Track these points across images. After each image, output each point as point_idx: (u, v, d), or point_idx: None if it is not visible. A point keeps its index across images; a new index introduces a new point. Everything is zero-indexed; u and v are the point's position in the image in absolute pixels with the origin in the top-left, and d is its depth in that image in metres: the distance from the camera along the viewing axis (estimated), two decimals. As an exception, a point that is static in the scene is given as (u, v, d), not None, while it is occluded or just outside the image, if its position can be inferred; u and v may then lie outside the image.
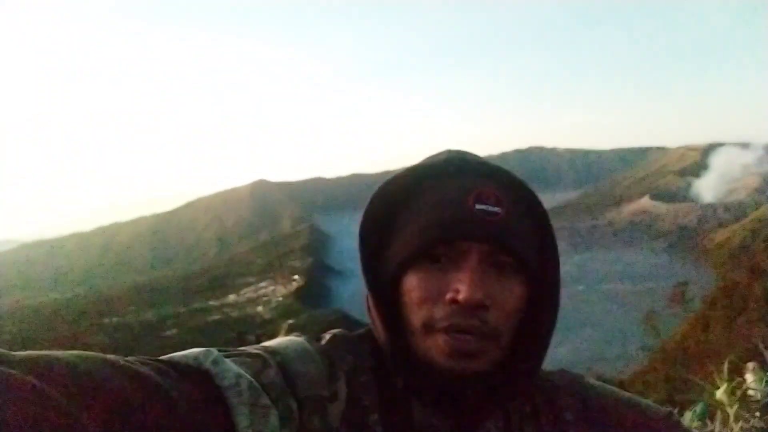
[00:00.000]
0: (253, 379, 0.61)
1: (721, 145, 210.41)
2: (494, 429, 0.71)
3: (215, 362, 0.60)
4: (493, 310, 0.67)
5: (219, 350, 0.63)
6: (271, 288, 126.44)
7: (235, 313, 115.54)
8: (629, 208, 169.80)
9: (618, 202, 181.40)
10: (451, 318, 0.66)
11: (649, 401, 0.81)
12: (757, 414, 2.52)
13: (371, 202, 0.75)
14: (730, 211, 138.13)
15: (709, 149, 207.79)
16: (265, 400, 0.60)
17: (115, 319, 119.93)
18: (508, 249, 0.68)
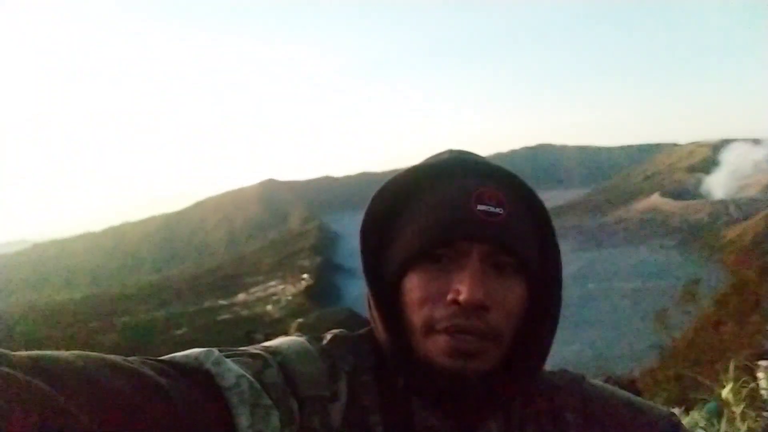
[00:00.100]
0: (254, 380, 0.61)
1: (732, 141, 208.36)
2: (495, 429, 0.71)
3: (216, 362, 0.60)
4: (493, 311, 0.67)
5: (220, 350, 0.64)
6: (281, 287, 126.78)
7: (244, 312, 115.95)
8: (639, 206, 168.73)
9: (627, 199, 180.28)
10: (451, 318, 0.66)
11: (650, 402, 0.80)
12: (765, 413, 2.51)
13: (372, 202, 0.76)
14: (742, 208, 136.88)
15: (720, 145, 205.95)
16: (266, 401, 0.60)
17: (125, 318, 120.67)
18: (509, 249, 0.68)
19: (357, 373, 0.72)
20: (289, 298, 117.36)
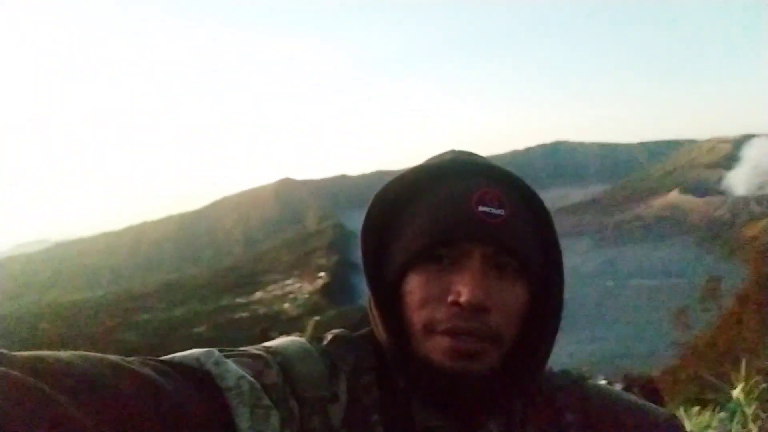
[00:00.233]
0: (254, 380, 0.61)
1: (753, 136, 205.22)
2: (495, 430, 0.71)
3: (216, 363, 0.60)
4: (494, 313, 0.67)
5: (220, 351, 0.64)
6: (297, 285, 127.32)
7: (262, 310, 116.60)
8: (658, 203, 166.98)
9: (647, 196, 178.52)
10: (452, 320, 0.66)
11: (651, 404, 0.80)
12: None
13: (373, 202, 0.76)
14: (763, 204, 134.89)
15: (741, 141, 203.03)
16: (266, 401, 0.60)
17: (144, 317, 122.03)
18: (510, 251, 0.68)
19: (357, 373, 0.72)
20: (306, 296, 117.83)
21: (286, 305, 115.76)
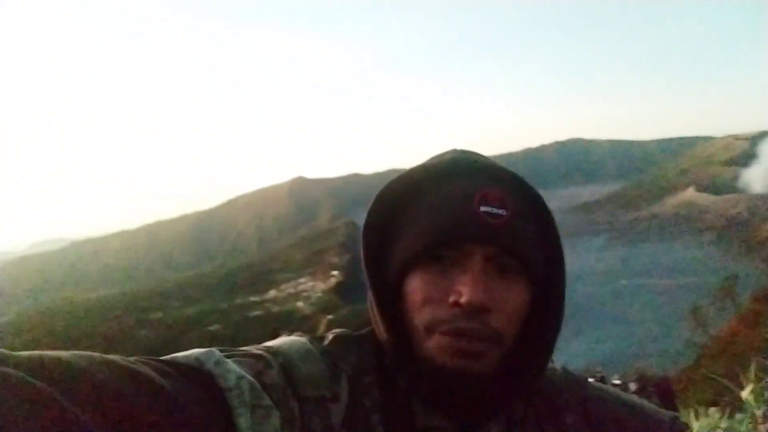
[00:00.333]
0: (254, 380, 0.61)
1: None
2: (496, 430, 0.71)
3: (217, 363, 0.60)
4: (495, 313, 0.67)
5: (221, 350, 0.64)
6: (311, 284, 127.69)
7: (275, 309, 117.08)
8: (674, 201, 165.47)
9: (662, 194, 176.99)
10: (453, 320, 0.66)
11: (653, 405, 0.80)
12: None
13: (375, 202, 0.76)
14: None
15: (758, 138, 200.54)
16: (266, 402, 0.60)
17: (159, 315, 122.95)
18: (511, 251, 0.68)
19: (358, 373, 0.72)
20: (319, 294, 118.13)
21: (300, 303, 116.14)
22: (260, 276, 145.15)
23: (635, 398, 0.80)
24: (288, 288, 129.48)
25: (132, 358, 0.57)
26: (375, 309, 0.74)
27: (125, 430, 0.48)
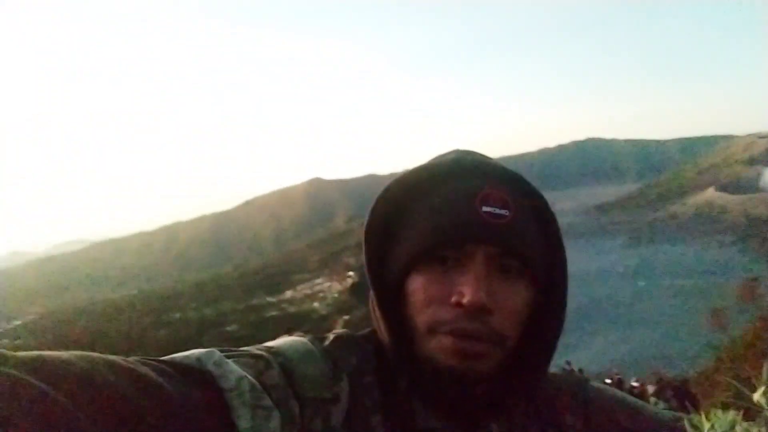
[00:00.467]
0: (255, 381, 0.61)
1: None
2: (497, 431, 0.71)
3: (217, 363, 0.60)
4: (497, 314, 0.67)
5: (221, 351, 0.64)
6: (327, 284, 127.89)
7: (292, 309, 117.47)
8: (694, 200, 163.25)
9: (682, 194, 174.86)
10: (455, 321, 0.66)
11: (655, 407, 0.79)
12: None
13: (377, 202, 0.75)
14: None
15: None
16: (266, 402, 0.60)
17: (177, 315, 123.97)
18: (514, 252, 0.68)
19: (359, 373, 0.72)
20: (335, 295, 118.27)
21: (316, 304, 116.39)
22: (277, 277, 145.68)
23: (636, 399, 0.80)
24: (304, 289, 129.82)
25: (132, 359, 0.57)
26: (377, 309, 0.74)
27: (126, 430, 0.48)
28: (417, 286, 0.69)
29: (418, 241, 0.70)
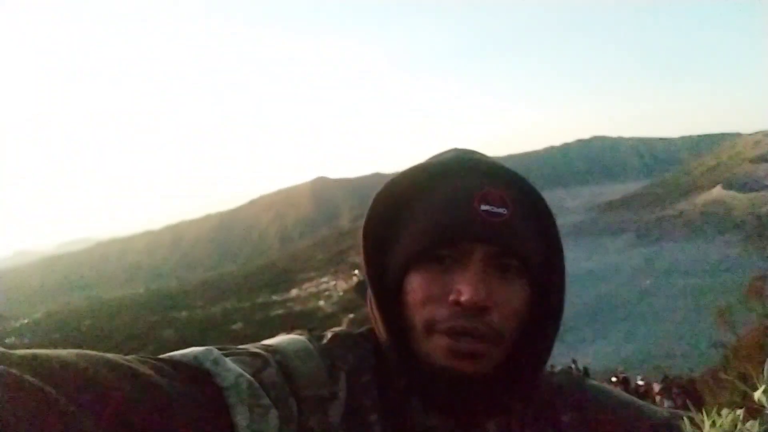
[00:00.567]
0: (253, 379, 0.61)
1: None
2: (494, 430, 0.71)
3: (215, 362, 0.60)
4: (495, 312, 0.67)
5: (219, 349, 0.64)
6: (332, 283, 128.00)
7: (297, 308, 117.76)
8: (701, 198, 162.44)
9: (688, 192, 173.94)
10: (453, 319, 0.66)
11: (651, 405, 0.79)
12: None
13: (375, 201, 0.75)
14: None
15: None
16: (264, 400, 0.60)
17: (183, 314, 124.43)
18: (512, 251, 0.68)
19: (356, 372, 0.72)
20: (341, 293, 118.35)
21: (321, 303, 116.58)
22: (282, 275, 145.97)
23: (633, 398, 0.80)
24: (310, 287, 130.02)
25: (130, 357, 0.57)
26: (375, 308, 0.74)
27: (123, 429, 0.48)
28: (415, 284, 0.70)
29: (416, 239, 0.70)
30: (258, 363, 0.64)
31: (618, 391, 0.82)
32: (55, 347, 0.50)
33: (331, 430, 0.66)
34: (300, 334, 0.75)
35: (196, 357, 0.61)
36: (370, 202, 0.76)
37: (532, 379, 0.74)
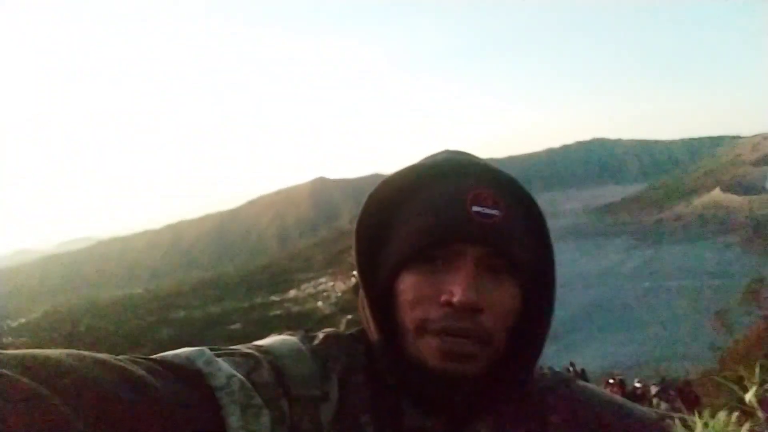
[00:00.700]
0: (245, 379, 0.61)
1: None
2: (484, 430, 0.71)
3: (207, 362, 0.60)
4: (487, 313, 0.67)
5: (211, 349, 0.64)
6: (331, 284, 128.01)
7: (295, 308, 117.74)
8: (699, 201, 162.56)
9: (687, 194, 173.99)
10: (444, 320, 0.66)
11: (641, 407, 0.79)
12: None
13: (368, 202, 0.75)
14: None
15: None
16: (256, 401, 0.60)
17: (181, 314, 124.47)
18: (503, 252, 0.68)
19: (348, 373, 0.72)
20: (339, 294, 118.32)
21: (320, 303, 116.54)
22: (281, 276, 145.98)
23: (623, 399, 0.80)
24: (308, 288, 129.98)
25: (122, 357, 0.56)
26: (366, 309, 0.74)
27: (116, 429, 0.48)
28: (407, 285, 0.70)
29: (408, 240, 0.70)
30: (250, 363, 0.64)
31: (607, 392, 0.82)
32: (55, 347, 0.50)
33: (323, 431, 0.66)
34: (292, 335, 0.75)
35: (188, 357, 0.61)
36: (363, 203, 0.76)
37: (521, 380, 0.74)
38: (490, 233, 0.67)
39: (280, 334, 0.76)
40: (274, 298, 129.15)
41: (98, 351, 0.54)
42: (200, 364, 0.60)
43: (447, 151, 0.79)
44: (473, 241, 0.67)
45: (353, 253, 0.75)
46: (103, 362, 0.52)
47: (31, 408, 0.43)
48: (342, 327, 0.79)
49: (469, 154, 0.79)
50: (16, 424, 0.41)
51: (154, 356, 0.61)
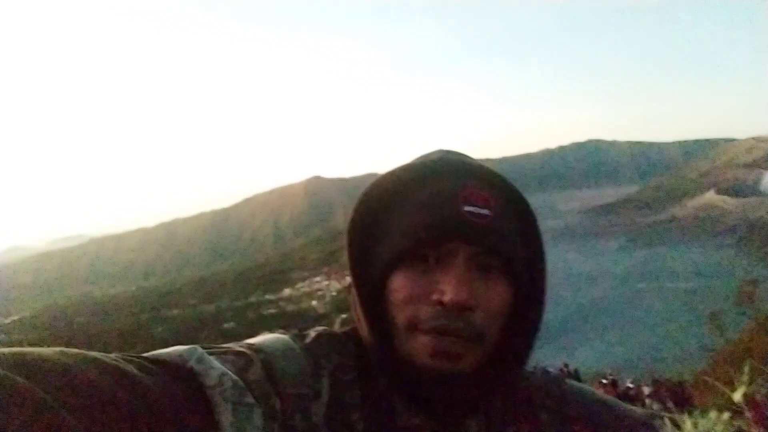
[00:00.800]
0: (237, 378, 0.61)
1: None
2: (474, 428, 0.72)
3: (199, 360, 0.61)
4: (478, 312, 0.68)
5: (203, 347, 0.64)
6: (325, 283, 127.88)
7: (290, 307, 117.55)
8: (694, 203, 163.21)
9: (682, 196, 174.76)
10: (436, 319, 0.67)
11: (630, 405, 0.81)
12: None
13: (360, 201, 0.76)
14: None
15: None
16: (248, 399, 0.61)
17: (175, 312, 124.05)
18: (495, 251, 0.69)
19: (340, 371, 0.73)
20: (334, 293, 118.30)
21: (314, 302, 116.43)
22: (275, 275, 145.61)
23: (613, 398, 0.81)
24: (303, 287, 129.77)
25: (114, 355, 0.57)
26: (358, 307, 0.74)
27: (108, 427, 0.48)
28: (398, 284, 0.70)
29: (400, 239, 0.71)
30: (242, 362, 0.65)
31: (598, 391, 0.83)
32: (48, 344, 0.50)
33: (315, 429, 0.67)
34: (283, 333, 0.76)
35: (180, 355, 0.61)
36: (356, 202, 0.76)
37: (512, 379, 0.75)
38: (482, 232, 0.68)
39: (272, 332, 0.77)
40: (268, 296, 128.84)
41: (91, 348, 0.54)
42: (192, 362, 0.60)
43: (440, 151, 0.79)
44: (465, 240, 0.68)
45: (346, 251, 0.76)
46: (95, 360, 0.53)
47: (23, 405, 0.43)
48: (337, 326, 0.81)
49: (461, 154, 0.79)
50: (7, 421, 0.42)
51: (146, 354, 0.61)
